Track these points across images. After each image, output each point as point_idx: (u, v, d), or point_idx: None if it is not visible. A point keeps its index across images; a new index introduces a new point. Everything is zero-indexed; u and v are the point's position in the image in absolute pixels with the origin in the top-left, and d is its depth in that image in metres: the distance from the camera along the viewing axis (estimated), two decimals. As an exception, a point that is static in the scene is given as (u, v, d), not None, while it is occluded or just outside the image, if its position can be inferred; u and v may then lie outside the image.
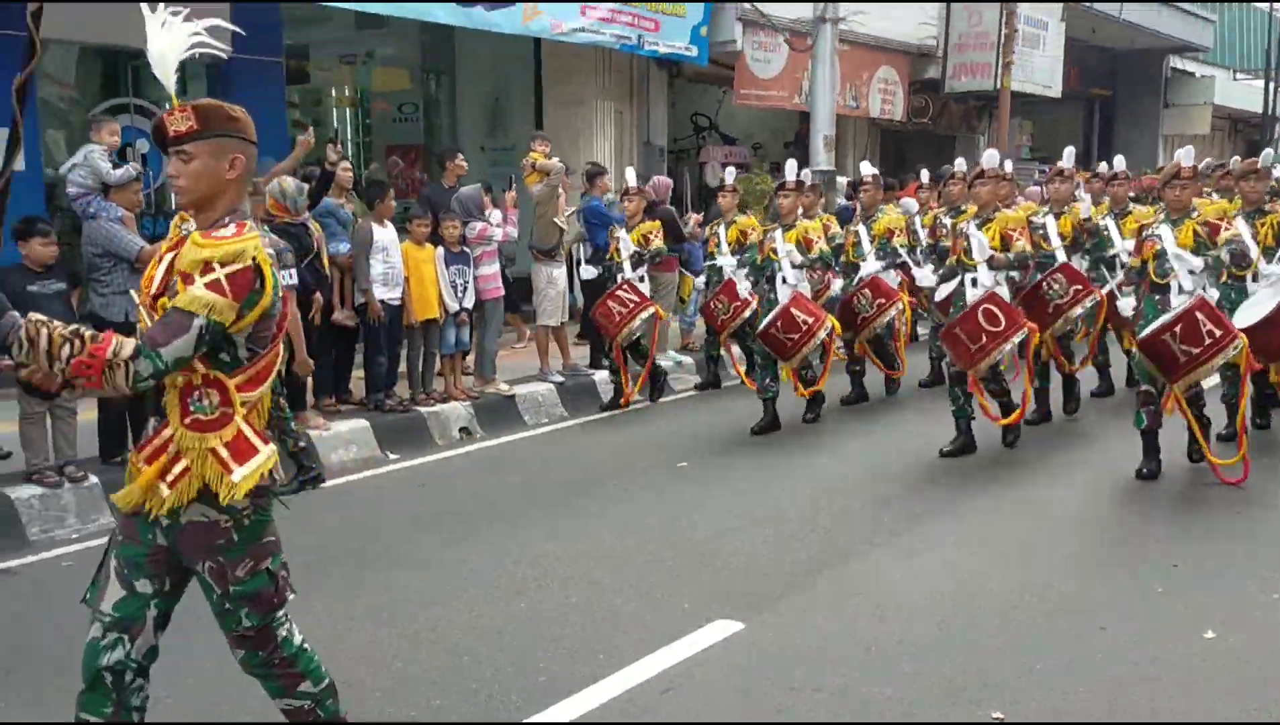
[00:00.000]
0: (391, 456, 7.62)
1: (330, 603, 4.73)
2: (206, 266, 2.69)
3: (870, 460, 7.29)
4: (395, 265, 8.00)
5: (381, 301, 7.90)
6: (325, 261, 7.70)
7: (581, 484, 6.83)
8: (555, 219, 9.25)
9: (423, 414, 8.12)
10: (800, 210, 8.30)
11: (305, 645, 3.03)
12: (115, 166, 6.71)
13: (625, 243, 8.89)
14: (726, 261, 8.77)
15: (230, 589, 2.85)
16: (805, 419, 8.36)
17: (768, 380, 8.08)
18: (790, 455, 7.47)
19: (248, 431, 2.82)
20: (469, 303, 8.48)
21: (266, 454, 2.84)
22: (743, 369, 9.23)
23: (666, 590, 4.87)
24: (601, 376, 9.38)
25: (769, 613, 4.58)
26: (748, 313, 8.53)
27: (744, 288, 8.53)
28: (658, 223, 9.21)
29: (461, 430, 8.21)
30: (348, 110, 14.85)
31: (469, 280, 8.45)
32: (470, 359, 8.98)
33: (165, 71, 2.86)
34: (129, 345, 2.62)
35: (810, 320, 7.86)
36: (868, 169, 9.65)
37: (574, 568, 5.20)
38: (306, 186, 7.59)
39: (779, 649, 4.22)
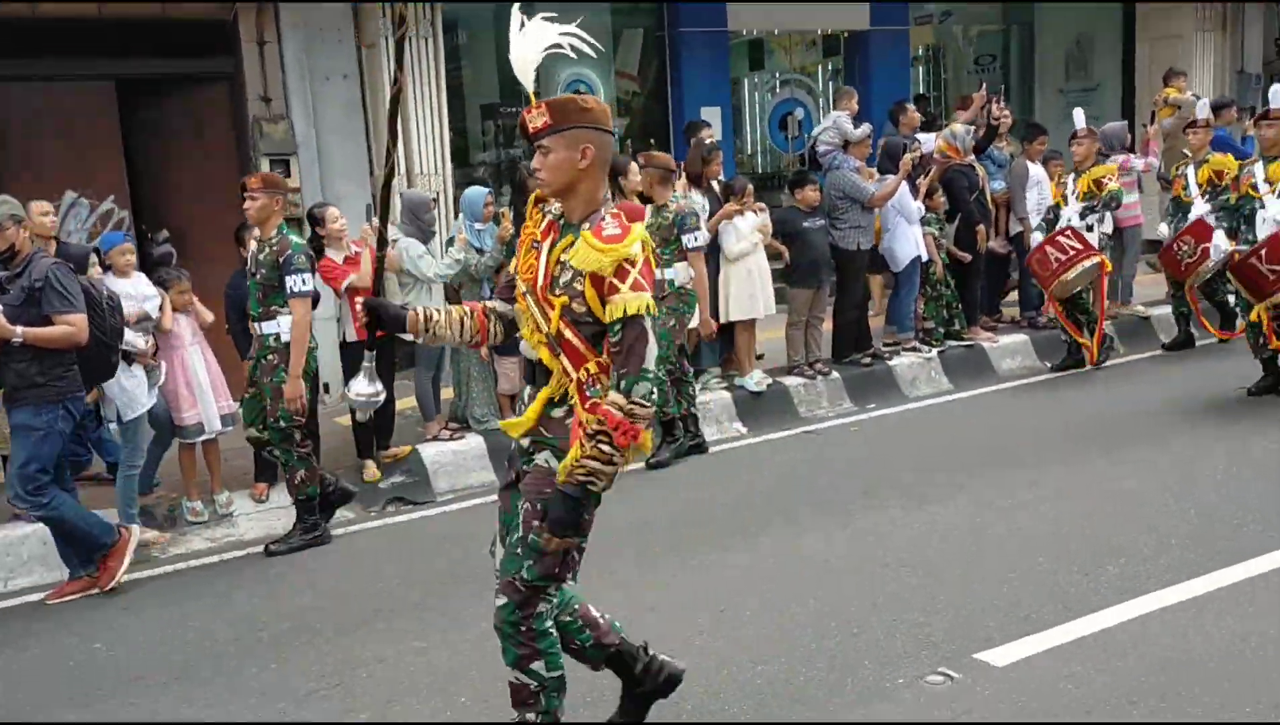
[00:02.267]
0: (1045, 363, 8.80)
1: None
2: (621, 269, 2.87)
3: None
4: (1046, 197, 9.08)
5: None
6: (988, 197, 9.01)
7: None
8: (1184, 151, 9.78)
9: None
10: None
11: (554, 632, 3.16)
12: (855, 127, 8.50)
13: (1072, 188, 8.47)
14: (1198, 206, 8.23)
15: (530, 536, 3.02)
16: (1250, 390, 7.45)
17: (1260, 341, 7.37)
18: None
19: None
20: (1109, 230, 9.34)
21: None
22: (1215, 325, 8.93)
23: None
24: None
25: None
26: (1217, 259, 7.76)
27: (1220, 235, 7.65)
28: (1113, 167, 8.65)
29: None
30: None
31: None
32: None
33: (525, 73, 3.02)
34: (622, 392, 2.86)
35: None
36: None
37: None
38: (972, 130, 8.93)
39: None
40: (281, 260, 5.74)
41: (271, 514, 6.45)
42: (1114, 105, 14.03)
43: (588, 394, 2.94)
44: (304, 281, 5.76)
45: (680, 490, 6.49)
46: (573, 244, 2.94)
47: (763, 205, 8.21)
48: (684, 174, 7.98)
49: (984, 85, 9.74)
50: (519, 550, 3.04)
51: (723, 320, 7.97)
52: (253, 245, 6.09)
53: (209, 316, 6.49)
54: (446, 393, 7.50)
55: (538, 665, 3.10)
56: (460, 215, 7.33)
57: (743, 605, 4.62)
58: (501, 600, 3.09)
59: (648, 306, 2.87)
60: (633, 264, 2.87)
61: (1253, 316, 7.35)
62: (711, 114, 10.90)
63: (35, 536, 5.80)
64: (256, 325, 5.91)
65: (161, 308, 6.19)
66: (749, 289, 7.91)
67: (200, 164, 8.69)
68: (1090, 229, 8.27)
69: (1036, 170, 9.15)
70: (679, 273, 6.98)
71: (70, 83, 8.25)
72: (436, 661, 4.32)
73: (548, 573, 3.04)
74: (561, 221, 3.05)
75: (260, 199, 5.83)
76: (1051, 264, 8.16)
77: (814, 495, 6.13)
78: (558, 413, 3.02)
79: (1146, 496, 5.61)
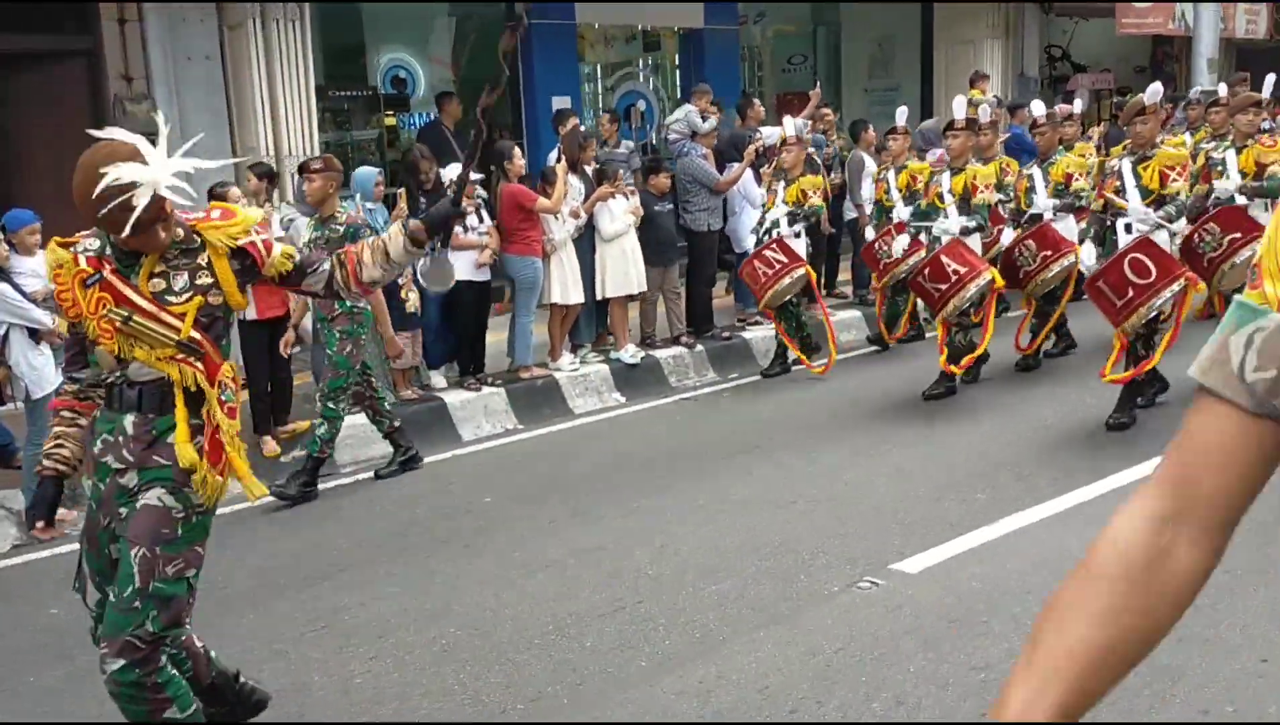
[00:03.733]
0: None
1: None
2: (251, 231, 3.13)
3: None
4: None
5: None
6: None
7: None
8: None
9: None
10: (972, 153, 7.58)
11: (173, 670, 3.01)
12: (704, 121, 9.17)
13: (780, 198, 8.37)
14: (899, 210, 8.22)
15: (153, 584, 2.86)
16: (924, 395, 7.45)
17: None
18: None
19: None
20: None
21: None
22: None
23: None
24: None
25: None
26: (912, 261, 7.85)
27: (900, 242, 7.90)
28: (819, 178, 8.69)
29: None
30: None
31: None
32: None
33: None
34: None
35: (962, 270, 7.10)
36: (1040, 108, 8.48)
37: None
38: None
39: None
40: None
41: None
42: (914, 105, 15.33)
43: (224, 400, 3.01)
44: None
45: (604, 446, 6.97)
46: (163, 257, 2.98)
47: (634, 188, 8.76)
48: (562, 158, 8.44)
49: (819, 84, 10.61)
50: (137, 604, 2.85)
51: (599, 297, 8.51)
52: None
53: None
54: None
55: (171, 712, 2.94)
56: (352, 194, 7.51)
57: (680, 541, 5.15)
58: (117, 664, 2.85)
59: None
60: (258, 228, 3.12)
61: (938, 325, 7.49)
62: (562, 103, 11.36)
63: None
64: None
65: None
66: (623, 267, 8.44)
67: (56, 141, 8.45)
68: (798, 236, 8.27)
69: (870, 161, 10.07)
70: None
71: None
72: (410, 605, 4.64)
73: (174, 619, 2.92)
74: (111, 253, 2.99)
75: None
76: (760, 278, 8.18)
77: (712, 449, 6.73)
78: (175, 436, 2.96)
79: (996, 440, 6.50)
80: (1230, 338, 1.09)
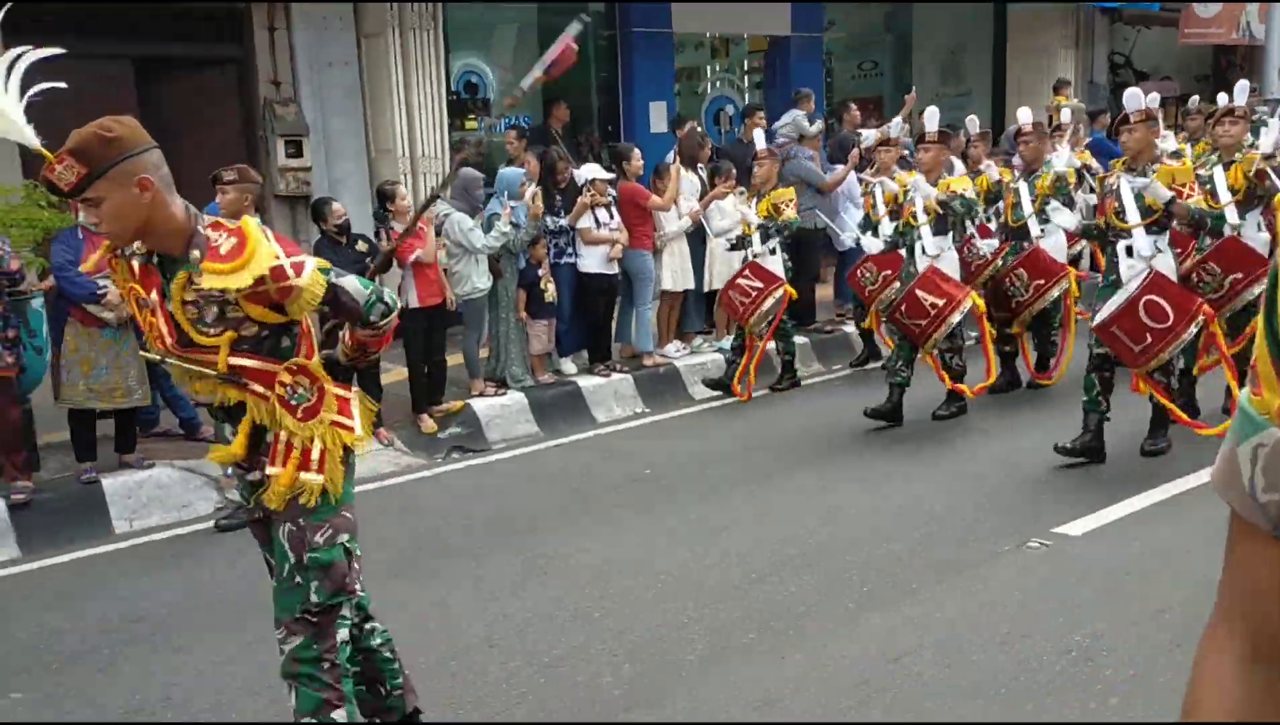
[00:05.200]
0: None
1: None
2: (276, 271, 2.65)
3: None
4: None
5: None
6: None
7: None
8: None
9: None
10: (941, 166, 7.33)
11: (351, 673, 2.94)
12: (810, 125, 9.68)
13: (751, 216, 8.21)
14: (884, 228, 7.62)
15: (307, 554, 2.81)
16: (936, 414, 7.19)
17: (899, 363, 7.12)
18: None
19: (337, 389, 2.91)
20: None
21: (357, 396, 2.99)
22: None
23: None
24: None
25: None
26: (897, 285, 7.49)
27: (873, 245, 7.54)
28: (791, 191, 8.46)
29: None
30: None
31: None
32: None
33: (17, 130, 2.66)
34: (361, 324, 2.95)
35: (940, 302, 6.77)
36: (1026, 116, 7.86)
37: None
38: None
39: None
40: None
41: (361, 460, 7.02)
42: (985, 112, 15.76)
43: (293, 403, 2.79)
44: None
45: (732, 429, 7.46)
46: (190, 281, 2.66)
47: (743, 188, 9.23)
48: (678, 157, 8.95)
49: (914, 89, 11.06)
50: (298, 579, 2.81)
51: (706, 288, 9.04)
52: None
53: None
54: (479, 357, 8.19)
55: (339, 715, 2.85)
56: (497, 193, 8.02)
57: (848, 506, 5.64)
58: (295, 641, 2.82)
59: (320, 267, 2.77)
60: (277, 258, 2.65)
61: (921, 359, 7.16)
62: (658, 108, 11.87)
63: (152, 480, 6.24)
64: None
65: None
66: (730, 262, 8.93)
67: (209, 142, 9.03)
68: (773, 252, 8.07)
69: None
70: None
71: (90, 61, 8.44)
72: (614, 556, 5.14)
73: (339, 587, 2.84)
74: (156, 261, 2.73)
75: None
76: (738, 308, 8.02)
77: (848, 430, 7.19)
78: (271, 439, 2.83)
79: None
80: (1237, 450, 1.00)
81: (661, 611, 4.47)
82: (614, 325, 8.79)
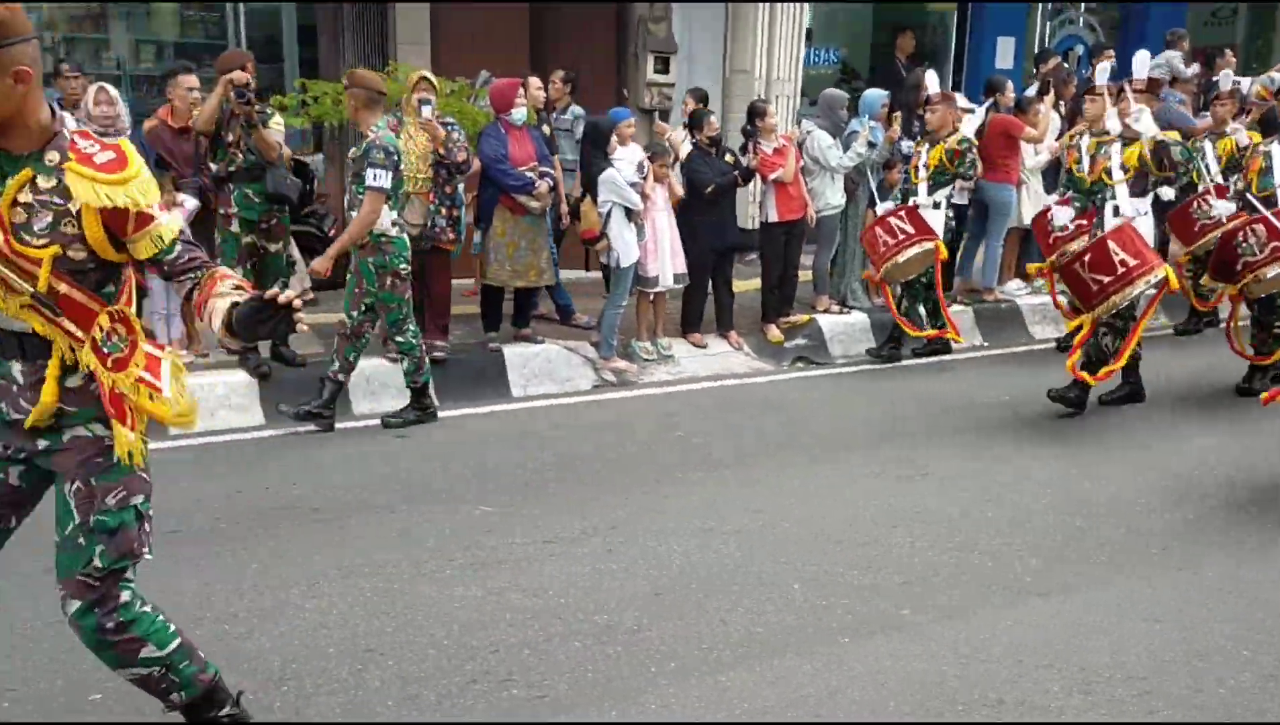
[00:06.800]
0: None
1: None
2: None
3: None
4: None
5: None
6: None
7: None
8: None
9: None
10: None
11: (147, 608, 2.75)
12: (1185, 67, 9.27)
13: (925, 162, 7.53)
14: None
15: (93, 516, 2.63)
16: (1050, 395, 6.39)
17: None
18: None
19: (147, 346, 2.70)
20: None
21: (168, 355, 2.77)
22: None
23: None
24: None
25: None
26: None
27: (1063, 215, 6.78)
28: (967, 138, 7.68)
29: None
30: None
31: None
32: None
33: None
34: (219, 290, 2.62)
35: (1131, 262, 6.05)
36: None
37: None
38: None
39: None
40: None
41: (716, 358, 7.61)
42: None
43: (105, 351, 2.57)
44: None
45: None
46: (33, 180, 2.48)
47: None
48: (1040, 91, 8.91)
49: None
50: (81, 540, 2.63)
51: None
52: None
53: (680, 191, 7.54)
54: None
55: (147, 651, 2.72)
56: (859, 114, 8.27)
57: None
58: (74, 605, 2.66)
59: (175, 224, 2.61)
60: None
61: (1069, 325, 6.77)
62: (1006, 43, 11.67)
63: (543, 354, 7.06)
64: None
65: (645, 176, 7.26)
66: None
67: (587, 54, 9.70)
68: (937, 206, 7.41)
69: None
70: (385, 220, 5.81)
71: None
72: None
73: (124, 551, 2.66)
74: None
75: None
76: (878, 247, 7.37)
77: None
78: (74, 382, 2.59)
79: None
80: None
81: (770, 558, 4.37)
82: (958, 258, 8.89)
